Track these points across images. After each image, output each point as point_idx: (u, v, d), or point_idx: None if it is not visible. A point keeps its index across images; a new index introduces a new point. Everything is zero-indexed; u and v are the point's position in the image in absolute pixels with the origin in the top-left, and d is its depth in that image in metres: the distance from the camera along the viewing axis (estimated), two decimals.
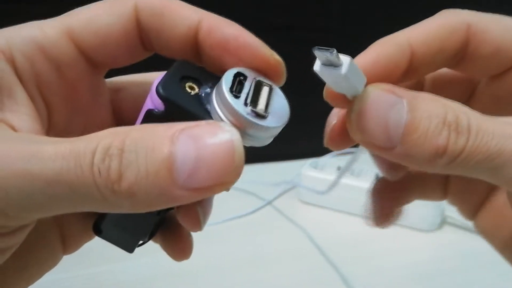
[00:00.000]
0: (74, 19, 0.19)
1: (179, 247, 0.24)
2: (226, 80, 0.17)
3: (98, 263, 0.46)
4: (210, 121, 0.16)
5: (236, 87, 0.17)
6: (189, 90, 0.18)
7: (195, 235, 0.24)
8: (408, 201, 0.26)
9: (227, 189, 0.20)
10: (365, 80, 0.18)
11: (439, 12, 0.21)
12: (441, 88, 0.23)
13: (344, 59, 0.17)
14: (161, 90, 0.17)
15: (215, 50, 0.19)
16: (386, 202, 0.25)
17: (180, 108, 0.17)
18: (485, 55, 0.20)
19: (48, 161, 0.14)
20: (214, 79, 0.18)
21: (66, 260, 0.23)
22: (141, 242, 0.24)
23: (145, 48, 0.20)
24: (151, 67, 0.22)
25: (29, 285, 0.21)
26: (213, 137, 0.15)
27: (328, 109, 0.21)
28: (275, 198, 0.62)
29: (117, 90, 0.23)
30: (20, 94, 0.18)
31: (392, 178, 0.24)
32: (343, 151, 0.25)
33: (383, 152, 0.18)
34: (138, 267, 0.47)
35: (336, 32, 0.71)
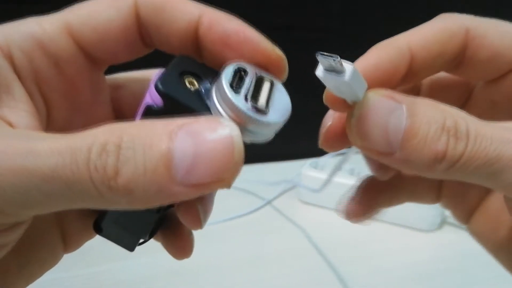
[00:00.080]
0: (73, 15, 0.19)
1: (180, 245, 0.24)
2: (226, 75, 0.17)
3: (98, 263, 0.46)
4: (209, 116, 0.16)
5: (237, 82, 0.17)
6: (188, 86, 0.18)
7: (194, 234, 0.24)
8: (398, 202, 0.26)
9: (228, 187, 0.19)
10: (366, 86, 0.18)
11: (438, 16, 0.21)
12: (438, 93, 0.24)
13: (347, 66, 0.16)
14: (159, 85, 0.17)
15: (216, 45, 0.19)
16: (368, 200, 0.25)
17: (179, 104, 0.17)
18: (483, 60, 0.21)
19: (44, 157, 0.14)
20: (214, 74, 0.18)
21: (66, 259, 0.23)
22: (142, 240, 0.24)
23: (145, 44, 0.20)
24: (152, 64, 0.22)
25: (29, 283, 0.21)
26: (212, 132, 0.15)
27: (328, 109, 0.21)
28: (275, 198, 0.62)
29: (117, 87, 0.22)
30: (18, 90, 0.18)
31: (381, 178, 0.24)
32: (343, 151, 0.24)
33: (382, 158, 0.18)
34: (138, 266, 0.47)
35: (336, 32, 0.71)
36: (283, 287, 0.46)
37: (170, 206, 0.22)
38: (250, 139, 0.17)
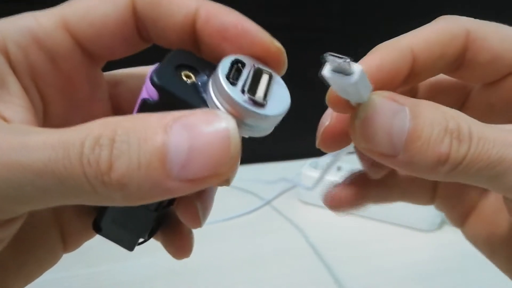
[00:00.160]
0: (70, 9, 0.19)
1: (179, 244, 0.24)
2: (223, 67, 0.17)
3: (98, 263, 0.46)
4: (205, 109, 0.16)
5: (234, 74, 0.17)
6: (185, 79, 0.17)
7: (193, 234, 0.24)
8: (389, 201, 0.25)
9: (228, 184, 0.19)
10: (371, 88, 0.18)
11: (438, 18, 0.21)
12: (435, 95, 0.24)
13: (356, 68, 0.16)
14: (155, 78, 0.17)
15: (214, 39, 0.18)
16: (355, 192, 0.24)
17: (175, 97, 0.17)
18: (482, 62, 0.20)
19: (37, 151, 0.14)
20: (212, 67, 0.17)
21: (66, 259, 0.23)
22: (141, 240, 0.24)
23: (143, 38, 0.20)
24: (151, 61, 0.21)
25: (29, 283, 0.21)
26: (208, 125, 0.14)
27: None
28: (275, 198, 0.62)
29: (115, 84, 0.22)
30: (13, 85, 0.18)
31: (373, 176, 0.24)
32: (346, 151, 0.24)
33: (385, 160, 0.18)
34: (138, 266, 0.47)
35: (336, 32, 0.71)
36: (282, 287, 0.46)
37: (169, 204, 0.22)
38: (248, 133, 0.17)
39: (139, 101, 0.18)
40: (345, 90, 0.17)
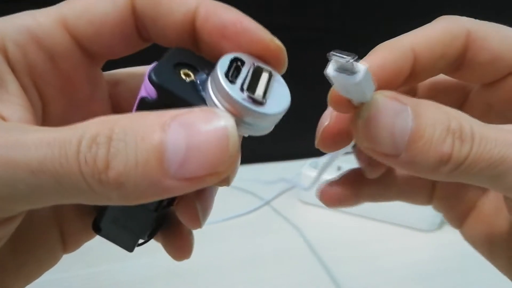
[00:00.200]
0: (68, 8, 0.19)
1: (179, 245, 0.23)
2: (222, 64, 0.17)
3: (98, 263, 0.46)
4: (204, 107, 0.15)
5: (233, 72, 0.17)
6: (184, 77, 0.17)
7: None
8: (385, 199, 0.25)
9: (228, 184, 0.19)
10: (374, 88, 0.18)
11: (439, 17, 0.21)
12: (434, 95, 0.23)
13: (361, 67, 0.16)
14: (153, 76, 0.17)
15: (213, 37, 0.18)
16: (350, 188, 0.24)
17: (173, 95, 0.17)
18: (482, 63, 0.21)
19: (32, 149, 0.14)
20: (211, 66, 0.17)
21: (66, 259, 0.23)
22: (141, 241, 0.23)
23: (142, 37, 0.20)
24: (150, 60, 0.21)
25: (28, 283, 0.21)
26: (206, 124, 0.14)
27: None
28: (274, 198, 0.62)
29: (115, 84, 0.22)
30: (12, 84, 0.17)
31: (369, 175, 0.24)
32: (344, 151, 0.24)
33: (387, 160, 0.18)
34: (137, 266, 0.46)
35: (336, 32, 0.71)
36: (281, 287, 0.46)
37: (169, 204, 0.22)
38: (248, 132, 0.17)
39: (137, 100, 0.18)
40: (348, 90, 0.17)
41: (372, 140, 0.18)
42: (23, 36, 0.18)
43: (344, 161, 0.53)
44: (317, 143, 0.22)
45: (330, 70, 0.16)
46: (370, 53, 0.20)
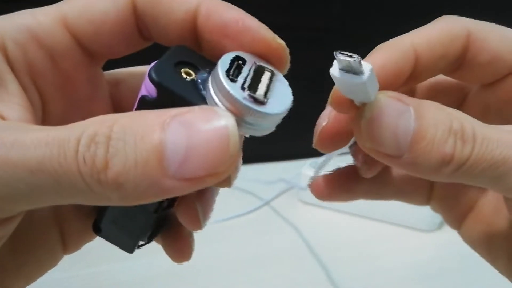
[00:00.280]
0: (69, 7, 0.18)
1: (179, 247, 0.23)
2: (223, 63, 0.16)
3: (98, 263, 0.46)
4: (204, 106, 0.15)
5: (234, 71, 0.16)
6: (184, 76, 0.17)
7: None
8: (382, 198, 0.25)
9: (229, 185, 0.19)
10: (378, 88, 0.18)
11: (439, 18, 0.21)
12: (434, 96, 0.23)
13: (366, 67, 0.16)
14: (153, 75, 0.16)
15: (214, 36, 0.18)
16: (343, 183, 0.24)
17: (173, 94, 0.16)
18: (482, 63, 0.20)
19: (30, 148, 0.14)
20: (212, 65, 0.17)
21: (65, 259, 0.23)
22: (141, 243, 0.23)
23: (143, 36, 0.20)
24: (151, 60, 0.21)
25: (29, 283, 0.21)
26: (206, 123, 0.14)
27: None
28: (274, 198, 0.62)
29: (116, 83, 0.22)
30: (11, 83, 0.17)
31: (364, 175, 0.24)
32: (343, 151, 0.24)
33: (390, 161, 0.18)
34: (137, 267, 0.46)
35: (336, 32, 0.71)
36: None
37: (169, 206, 0.22)
38: (249, 132, 0.17)
39: (138, 98, 0.18)
40: (352, 90, 0.17)
41: (375, 140, 0.18)
42: (23, 35, 0.18)
43: (344, 161, 0.53)
44: (315, 143, 0.21)
45: (335, 70, 0.16)
46: (371, 53, 0.20)
